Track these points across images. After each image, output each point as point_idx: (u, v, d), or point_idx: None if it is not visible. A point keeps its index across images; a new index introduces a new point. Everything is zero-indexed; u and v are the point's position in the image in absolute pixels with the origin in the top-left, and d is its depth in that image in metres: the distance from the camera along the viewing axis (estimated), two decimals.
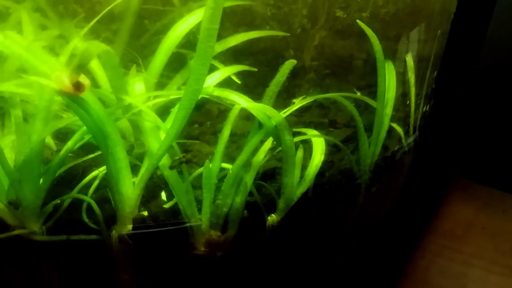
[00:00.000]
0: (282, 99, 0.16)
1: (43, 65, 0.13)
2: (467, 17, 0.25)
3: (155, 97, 0.15)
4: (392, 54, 0.19)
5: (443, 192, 0.39)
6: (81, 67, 0.11)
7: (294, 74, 0.15)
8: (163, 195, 0.15)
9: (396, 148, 0.19)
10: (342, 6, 0.20)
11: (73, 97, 0.12)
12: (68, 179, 0.14)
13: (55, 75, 0.11)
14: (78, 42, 0.13)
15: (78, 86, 0.12)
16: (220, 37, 0.16)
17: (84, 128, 0.13)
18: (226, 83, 0.17)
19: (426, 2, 0.22)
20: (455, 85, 0.26)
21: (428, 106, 0.22)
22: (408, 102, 0.19)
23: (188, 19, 0.16)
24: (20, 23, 0.16)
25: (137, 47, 0.17)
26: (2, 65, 0.14)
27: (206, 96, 0.14)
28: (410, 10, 0.21)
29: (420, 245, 0.35)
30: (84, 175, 0.14)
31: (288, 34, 0.18)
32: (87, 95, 0.12)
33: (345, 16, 0.19)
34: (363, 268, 0.26)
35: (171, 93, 0.14)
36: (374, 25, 0.20)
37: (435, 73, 0.22)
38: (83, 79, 0.12)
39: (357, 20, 0.15)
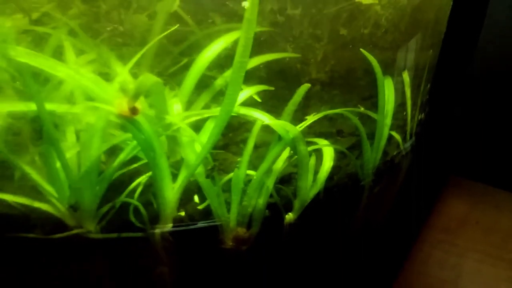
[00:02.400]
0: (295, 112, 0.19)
1: (99, 90, 0.15)
2: (457, 35, 0.27)
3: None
4: (391, 70, 0.22)
5: (439, 190, 0.42)
6: (137, 95, 0.14)
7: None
8: (196, 198, 0.18)
9: (395, 153, 0.22)
10: (346, 25, 0.22)
11: (129, 119, 0.14)
12: (118, 185, 0.16)
13: (117, 102, 0.14)
14: (126, 73, 0.16)
15: (134, 110, 0.14)
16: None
17: (134, 143, 0.15)
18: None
19: (420, 23, 0.24)
20: (447, 95, 0.28)
21: (423, 114, 0.24)
22: (405, 112, 0.22)
23: (215, 46, 0.18)
24: (58, 47, 0.18)
25: (163, 67, 0.20)
26: (58, 88, 0.16)
27: (234, 114, 0.16)
28: (407, 30, 0.23)
29: (419, 239, 0.37)
30: (130, 182, 0.17)
31: (299, 55, 0.20)
32: (140, 117, 0.14)
33: (348, 36, 0.22)
34: (367, 261, 0.28)
35: (206, 111, 0.16)
36: (376, 46, 0.23)
37: (428, 86, 0.24)
38: (138, 105, 0.14)
39: (361, 49, 0.17)
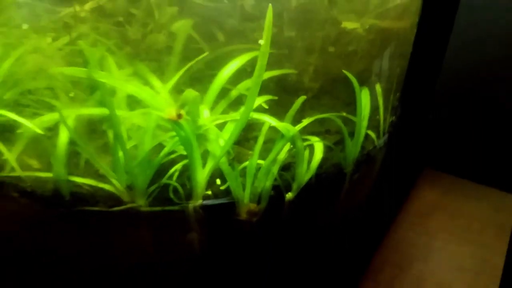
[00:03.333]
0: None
1: (152, 100, 0.20)
2: (424, 47, 0.33)
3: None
4: (368, 81, 0.27)
5: (414, 180, 0.47)
6: (183, 105, 0.19)
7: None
8: (218, 181, 0.23)
9: (370, 148, 0.27)
10: (333, 44, 0.28)
11: (175, 122, 0.19)
12: (162, 170, 0.22)
13: (168, 110, 0.19)
14: (168, 89, 0.21)
15: (179, 116, 0.19)
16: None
17: (176, 139, 0.21)
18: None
19: (393, 40, 0.30)
20: (417, 100, 0.34)
21: (394, 116, 0.30)
22: (378, 115, 0.27)
23: (232, 64, 0.23)
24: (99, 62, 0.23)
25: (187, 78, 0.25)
26: (115, 96, 0.22)
27: (249, 118, 0.21)
28: (382, 48, 0.29)
29: (394, 222, 0.43)
30: (170, 168, 0.22)
31: (295, 72, 0.25)
32: (182, 121, 0.20)
33: (334, 54, 0.27)
34: (349, 237, 0.34)
35: (229, 116, 0.22)
36: (357, 61, 0.28)
37: (398, 94, 0.30)
38: (182, 111, 0.19)
39: (343, 70, 0.23)
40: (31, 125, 0.20)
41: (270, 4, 0.18)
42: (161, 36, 0.25)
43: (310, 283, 0.30)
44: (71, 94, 0.22)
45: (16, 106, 0.22)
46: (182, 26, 0.24)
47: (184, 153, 0.22)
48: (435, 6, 0.34)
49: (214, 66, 0.24)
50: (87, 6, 0.25)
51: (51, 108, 0.22)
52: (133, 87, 0.19)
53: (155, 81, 0.23)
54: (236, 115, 0.21)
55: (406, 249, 0.39)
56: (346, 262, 0.33)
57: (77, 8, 0.24)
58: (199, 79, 0.24)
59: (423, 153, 0.47)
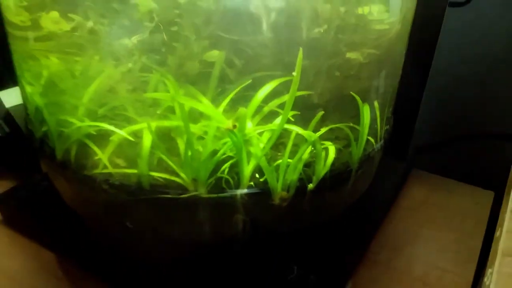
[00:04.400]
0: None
1: (213, 114, 0.28)
2: (411, 69, 0.41)
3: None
4: (368, 98, 0.35)
5: (405, 178, 0.55)
6: (237, 119, 0.26)
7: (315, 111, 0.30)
8: (257, 175, 0.30)
9: (370, 150, 0.35)
10: (339, 69, 0.35)
11: (231, 131, 0.27)
12: (218, 166, 0.29)
13: (226, 122, 0.26)
14: (222, 108, 0.29)
15: (234, 126, 0.27)
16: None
17: (230, 143, 0.28)
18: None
19: (388, 64, 0.37)
20: (406, 112, 0.42)
21: (388, 126, 0.37)
22: (376, 125, 0.35)
23: (265, 88, 0.31)
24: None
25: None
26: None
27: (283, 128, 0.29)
28: (379, 71, 0.36)
29: (388, 215, 0.50)
30: (223, 164, 0.29)
31: (312, 92, 0.33)
32: (235, 130, 0.27)
33: (340, 77, 0.35)
34: (351, 223, 0.41)
35: (268, 126, 0.29)
36: (359, 83, 0.36)
37: (391, 108, 0.37)
38: (236, 123, 0.27)
39: (351, 92, 0.30)
40: (123, 133, 0.28)
41: (301, 48, 0.26)
42: (196, 63, 0.32)
43: (320, 259, 0.38)
44: (143, 110, 0.30)
45: (107, 119, 0.29)
46: (217, 57, 0.31)
47: (231, 154, 0.29)
48: (419, 36, 0.42)
49: (249, 88, 0.32)
50: (135, 39, 0.32)
51: (128, 120, 0.30)
52: (203, 106, 0.27)
53: (205, 100, 0.30)
54: (272, 125, 0.29)
55: (399, 236, 0.47)
56: (350, 243, 0.41)
57: (133, 40, 0.31)
58: (241, 99, 0.32)
59: (413, 155, 0.54)
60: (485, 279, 0.18)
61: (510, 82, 0.56)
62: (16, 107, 0.46)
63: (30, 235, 0.42)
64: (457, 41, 0.56)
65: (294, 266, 0.36)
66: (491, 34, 0.55)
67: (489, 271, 0.18)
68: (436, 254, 0.43)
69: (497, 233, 0.20)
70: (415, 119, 0.48)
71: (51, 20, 0.31)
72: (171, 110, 0.29)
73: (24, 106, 0.35)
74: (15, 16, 0.31)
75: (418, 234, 0.47)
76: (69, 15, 0.28)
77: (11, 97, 0.46)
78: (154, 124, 0.28)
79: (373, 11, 0.34)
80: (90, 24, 0.27)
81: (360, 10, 0.33)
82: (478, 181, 0.54)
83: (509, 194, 0.22)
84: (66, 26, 0.28)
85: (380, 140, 0.36)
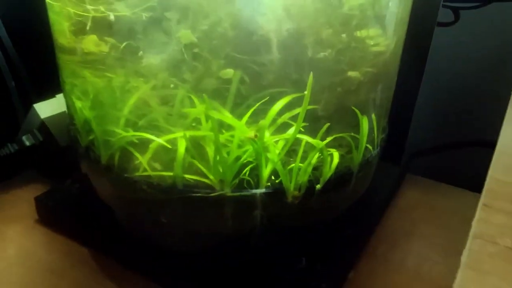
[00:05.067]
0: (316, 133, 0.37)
1: (236, 125, 0.33)
2: (404, 85, 0.46)
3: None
4: (367, 111, 0.40)
5: (400, 182, 0.60)
6: (258, 130, 0.32)
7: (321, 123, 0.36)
8: (273, 177, 0.35)
9: (368, 156, 0.40)
10: (340, 85, 0.41)
11: (253, 139, 0.32)
12: (240, 169, 0.34)
13: (249, 132, 0.31)
14: (244, 121, 0.34)
15: (255, 136, 0.32)
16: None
17: (251, 149, 0.33)
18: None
19: (383, 80, 0.43)
20: (400, 122, 0.47)
21: (383, 134, 0.43)
22: (373, 134, 0.40)
23: (279, 103, 0.36)
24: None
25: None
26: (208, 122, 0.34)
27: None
28: (375, 86, 0.42)
29: (384, 214, 0.55)
30: (245, 167, 0.34)
31: (318, 107, 0.38)
32: (256, 139, 0.32)
33: (341, 92, 0.40)
34: (352, 220, 0.47)
35: (282, 136, 0.34)
36: (358, 97, 0.41)
37: (386, 118, 0.43)
38: (257, 133, 0.32)
39: (352, 106, 0.36)
40: (161, 141, 0.33)
41: (311, 72, 0.31)
42: (214, 80, 0.37)
43: (326, 252, 0.43)
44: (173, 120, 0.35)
45: (142, 128, 0.34)
46: (233, 75, 0.36)
47: (251, 159, 0.35)
48: (411, 53, 0.47)
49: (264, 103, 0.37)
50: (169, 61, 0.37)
51: (160, 130, 0.35)
52: (229, 119, 0.32)
53: (227, 113, 0.35)
54: (286, 135, 0.34)
55: (395, 232, 0.52)
56: (352, 239, 0.46)
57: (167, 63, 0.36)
58: (256, 112, 0.37)
59: (407, 161, 0.59)
60: (462, 257, 0.23)
61: (496, 94, 0.62)
62: (49, 117, 0.51)
63: (65, 233, 0.47)
64: (447, 57, 0.62)
65: (303, 258, 0.42)
66: (477, 51, 0.61)
67: (464, 252, 0.23)
68: (427, 248, 0.48)
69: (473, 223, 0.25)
70: (408, 129, 0.53)
71: (93, 43, 0.36)
72: (198, 121, 0.35)
73: (69, 118, 0.40)
74: (65, 39, 0.36)
75: (412, 231, 0.52)
76: (120, 44, 0.33)
77: (45, 109, 0.51)
78: (188, 134, 0.33)
79: (371, 35, 0.40)
80: (140, 53, 0.32)
81: (359, 34, 0.39)
82: (465, 184, 0.59)
83: (481, 192, 0.28)
84: (116, 51, 0.33)
85: (377, 147, 0.41)
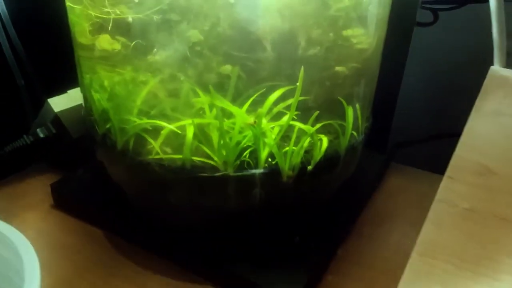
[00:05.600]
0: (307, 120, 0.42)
1: (238, 113, 0.37)
2: (386, 77, 0.51)
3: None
4: (352, 101, 0.45)
5: (386, 169, 0.65)
6: (257, 117, 0.36)
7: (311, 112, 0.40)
8: (270, 159, 0.40)
9: (354, 141, 0.45)
10: (329, 79, 0.45)
11: (253, 125, 0.37)
12: (241, 152, 0.39)
13: (249, 119, 0.36)
14: (245, 109, 0.38)
15: (254, 122, 0.37)
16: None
17: (250, 134, 0.38)
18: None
19: (368, 73, 0.48)
20: (383, 112, 0.52)
21: (368, 123, 0.48)
22: (358, 122, 0.45)
23: (275, 93, 0.41)
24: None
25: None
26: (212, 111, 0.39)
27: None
28: (360, 79, 0.47)
29: (371, 198, 0.60)
30: (245, 150, 0.39)
31: (309, 97, 0.43)
32: (255, 124, 0.37)
33: (330, 85, 0.45)
34: (341, 203, 0.51)
35: (278, 123, 0.39)
36: (345, 89, 0.46)
37: (370, 108, 0.48)
38: (256, 120, 0.37)
39: (339, 97, 0.41)
40: (173, 127, 0.37)
41: (302, 67, 0.36)
42: (213, 75, 0.42)
43: (317, 230, 0.48)
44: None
45: (152, 117, 0.39)
46: (232, 70, 0.41)
47: (250, 143, 0.39)
48: (393, 52, 0.52)
49: (261, 94, 0.42)
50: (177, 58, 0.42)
51: (168, 118, 0.39)
52: (232, 107, 0.37)
53: (227, 103, 0.40)
54: (281, 122, 0.39)
55: (380, 214, 0.56)
56: (341, 219, 0.51)
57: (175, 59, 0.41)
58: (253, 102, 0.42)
59: (390, 150, 0.64)
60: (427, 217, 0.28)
61: (473, 90, 0.67)
62: (63, 111, 0.55)
63: (79, 215, 0.52)
64: (428, 54, 0.67)
65: (296, 236, 0.46)
66: (455, 49, 0.66)
67: (429, 213, 0.28)
68: (409, 227, 0.53)
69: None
70: (391, 120, 0.59)
71: (107, 42, 0.41)
72: (202, 110, 0.39)
73: (86, 110, 0.44)
74: (84, 38, 0.41)
75: (395, 212, 0.57)
76: (132, 42, 0.37)
77: (59, 103, 0.55)
78: (196, 121, 0.37)
79: (355, 34, 0.45)
80: (154, 50, 0.37)
81: (344, 33, 0.44)
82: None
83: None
84: (127, 49, 0.38)
85: (362, 134, 0.46)
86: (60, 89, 0.56)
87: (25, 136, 0.55)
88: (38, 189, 0.56)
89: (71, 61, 0.46)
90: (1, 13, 0.57)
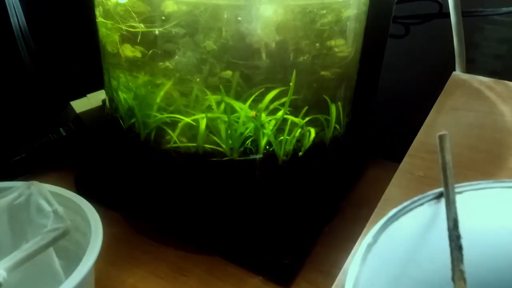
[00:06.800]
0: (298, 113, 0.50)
1: (241, 107, 0.46)
2: (364, 79, 0.60)
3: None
4: (335, 98, 0.54)
5: (367, 161, 0.74)
6: (258, 111, 0.45)
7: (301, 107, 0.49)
8: (267, 146, 0.48)
9: (337, 133, 0.54)
10: (316, 81, 0.54)
11: (254, 118, 0.45)
12: (245, 140, 0.47)
13: (251, 112, 0.45)
14: (248, 105, 0.47)
15: (256, 115, 0.45)
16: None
17: (252, 125, 0.46)
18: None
19: (350, 72, 0.57)
20: (360, 107, 0.62)
21: (348, 119, 0.57)
22: (340, 116, 0.54)
23: (272, 94, 0.49)
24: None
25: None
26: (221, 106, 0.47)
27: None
28: (343, 79, 0.56)
29: (355, 184, 0.69)
30: (248, 139, 0.47)
31: (299, 96, 0.52)
32: (257, 117, 0.45)
33: (317, 86, 0.54)
34: (328, 188, 0.60)
35: (274, 116, 0.47)
36: (330, 86, 0.55)
37: (350, 104, 0.57)
38: (257, 113, 0.45)
39: (324, 96, 0.49)
40: (189, 120, 0.46)
41: (294, 70, 0.45)
42: (216, 79, 0.51)
43: (307, 210, 0.56)
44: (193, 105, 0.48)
45: (174, 112, 0.47)
46: (233, 75, 0.49)
47: (251, 134, 0.48)
48: (370, 61, 0.61)
49: (260, 94, 0.50)
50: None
51: (181, 113, 0.47)
52: (238, 104, 0.45)
53: (231, 99, 0.48)
54: (276, 116, 0.47)
55: (364, 198, 0.64)
56: (328, 202, 0.59)
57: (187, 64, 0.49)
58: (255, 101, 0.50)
59: (370, 146, 0.73)
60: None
61: (439, 92, 0.76)
62: (83, 112, 0.63)
63: (99, 201, 0.59)
64: (401, 61, 0.77)
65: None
66: (424, 58, 0.76)
67: (391, 181, 0.37)
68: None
69: None
70: (370, 117, 0.68)
71: (130, 50, 0.49)
72: (209, 107, 0.48)
73: (109, 108, 0.52)
74: (112, 47, 0.49)
75: (377, 197, 0.66)
76: (149, 51, 0.46)
77: (79, 106, 0.63)
78: (209, 115, 0.46)
79: (337, 44, 0.54)
80: (176, 57, 0.45)
81: (328, 44, 0.53)
82: None
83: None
84: (145, 57, 0.46)
85: (343, 128, 0.55)
86: (80, 94, 0.64)
87: (50, 134, 0.63)
88: (62, 179, 0.63)
89: (90, 70, 0.55)
90: (23, 29, 0.65)
